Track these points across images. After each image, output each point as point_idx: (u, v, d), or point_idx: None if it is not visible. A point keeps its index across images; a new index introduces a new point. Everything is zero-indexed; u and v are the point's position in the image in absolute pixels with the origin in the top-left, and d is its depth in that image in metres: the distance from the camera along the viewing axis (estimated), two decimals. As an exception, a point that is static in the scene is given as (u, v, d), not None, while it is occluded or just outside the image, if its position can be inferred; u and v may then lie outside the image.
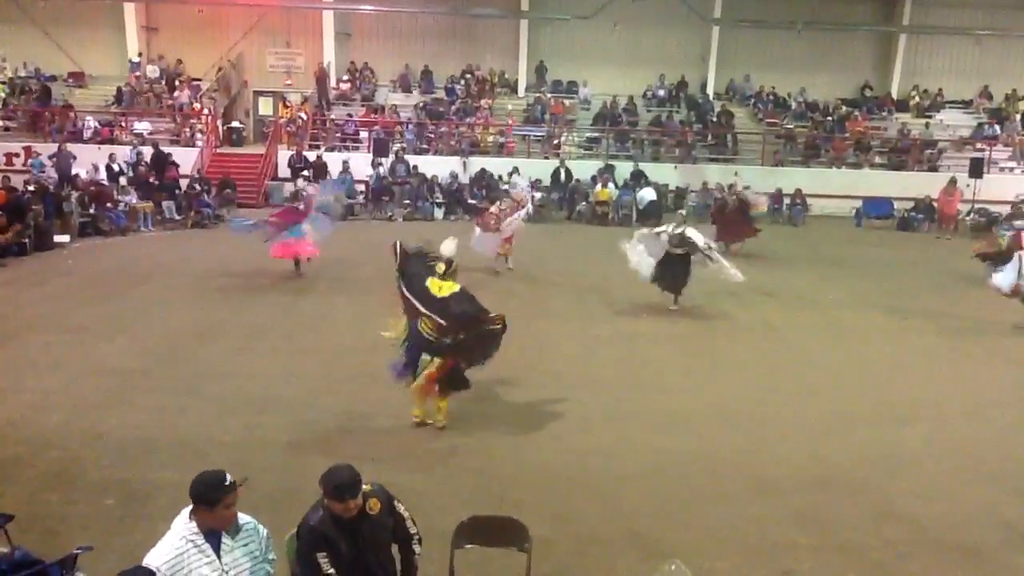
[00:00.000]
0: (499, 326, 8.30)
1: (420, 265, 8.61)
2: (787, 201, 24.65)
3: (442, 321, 8.05)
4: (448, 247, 8.85)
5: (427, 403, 8.48)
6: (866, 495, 7.27)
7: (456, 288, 8.28)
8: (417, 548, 4.57)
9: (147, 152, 23.14)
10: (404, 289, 8.42)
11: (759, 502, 7.06)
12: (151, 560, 3.81)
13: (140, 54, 27.66)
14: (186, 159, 23.76)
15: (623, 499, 7.10)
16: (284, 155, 24.98)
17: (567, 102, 28.52)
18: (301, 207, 15.34)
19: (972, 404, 9.73)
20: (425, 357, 8.31)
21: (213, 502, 3.93)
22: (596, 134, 27.60)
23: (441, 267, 8.44)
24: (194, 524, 3.93)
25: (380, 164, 23.99)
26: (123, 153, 22.89)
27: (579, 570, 5.95)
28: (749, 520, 6.75)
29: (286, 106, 27.38)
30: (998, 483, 7.58)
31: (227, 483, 3.97)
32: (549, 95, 28.55)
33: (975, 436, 8.74)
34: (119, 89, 26.66)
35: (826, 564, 6.12)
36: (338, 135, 26.52)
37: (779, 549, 6.32)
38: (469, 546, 5.01)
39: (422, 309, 8.15)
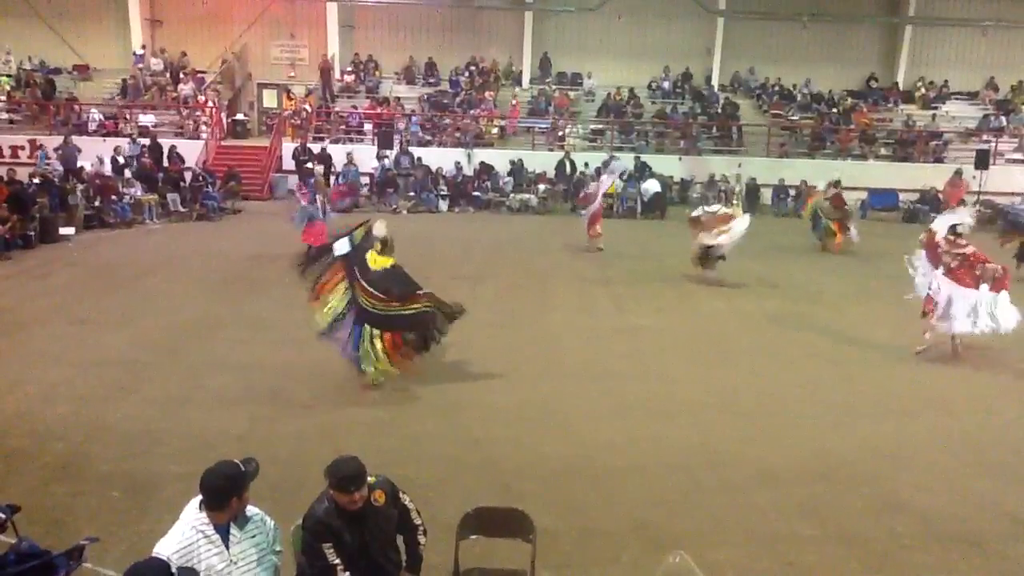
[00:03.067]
0: (425, 308, 9.27)
1: (368, 243, 9.50)
2: (792, 192, 24.68)
3: (377, 293, 8.98)
4: (380, 229, 9.64)
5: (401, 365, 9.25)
6: (870, 487, 7.28)
7: (388, 263, 9.41)
8: (422, 539, 4.60)
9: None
10: (350, 259, 9.04)
11: (763, 493, 7.07)
12: (161, 549, 3.84)
13: (144, 46, 27.67)
14: (191, 151, 23.76)
15: (627, 490, 7.11)
16: (288, 147, 24.98)
17: (571, 94, 28.46)
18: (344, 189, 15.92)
19: (977, 396, 9.73)
20: (366, 329, 9.04)
21: (226, 500, 3.97)
22: (600, 126, 27.55)
23: (378, 245, 9.47)
24: (204, 515, 3.96)
25: (385, 156, 23.98)
26: (128, 146, 22.90)
27: (584, 561, 5.97)
28: (753, 511, 6.77)
29: (290, 98, 27.37)
30: (1002, 475, 7.59)
31: (243, 472, 4.02)
32: (554, 87, 28.51)
33: (980, 428, 8.74)
34: (124, 82, 26.68)
35: (829, 555, 6.14)
36: (342, 127, 26.52)
37: (782, 540, 6.33)
38: (474, 537, 5.03)
39: (359, 277, 9.01)
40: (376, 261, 9.36)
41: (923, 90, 29.21)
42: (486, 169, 24.51)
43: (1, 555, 5.19)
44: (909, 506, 6.95)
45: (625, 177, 23.73)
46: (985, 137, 26.81)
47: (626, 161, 24.56)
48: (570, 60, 29.65)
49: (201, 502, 3.99)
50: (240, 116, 27.52)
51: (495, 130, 26.81)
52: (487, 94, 27.68)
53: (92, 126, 24.64)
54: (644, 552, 5.94)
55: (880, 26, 29.97)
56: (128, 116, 25.57)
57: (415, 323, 9.32)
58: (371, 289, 9.02)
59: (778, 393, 9.62)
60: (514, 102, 27.38)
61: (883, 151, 27.11)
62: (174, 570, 3.50)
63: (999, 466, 7.78)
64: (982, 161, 24.16)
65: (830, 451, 8.00)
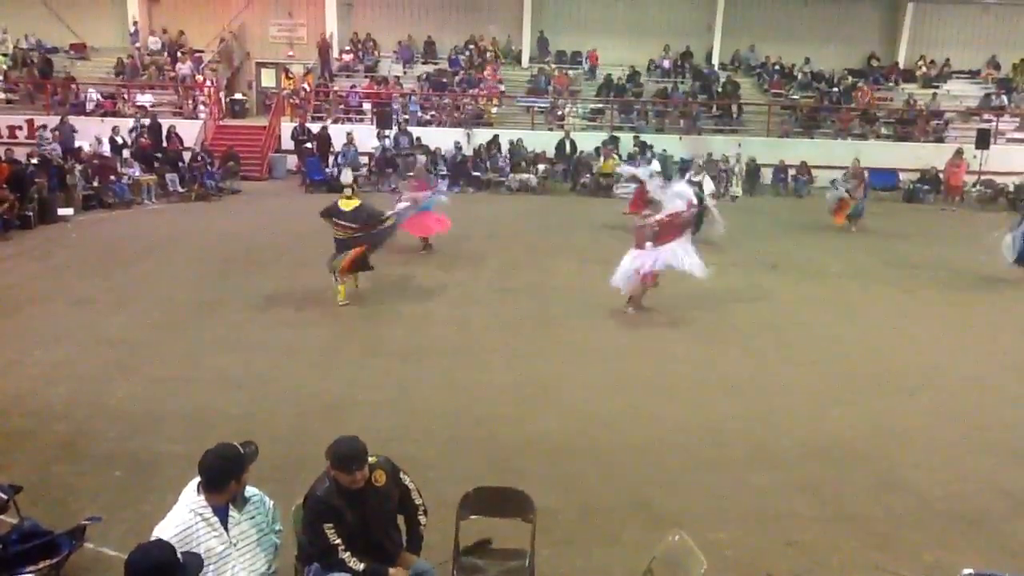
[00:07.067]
0: (391, 221, 12.11)
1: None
2: (792, 172, 24.69)
3: (353, 225, 11.45)
4: (346, 177, 13.51)
5: (346, 285, 11.67)
6: (869, 465, 7.30)
7: (358, 202, 11.74)
8: (423, 519, 4.61)
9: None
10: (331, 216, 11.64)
11: (763, 472, 7.10)
12: (160, 533, 3.80)
13: (135, 22, 27.47)
14: (189, 131, 23.65)
15: (627, 469, 7.13)
16: (287, 127, 24.89)
17: (571, 73, 28.31)
18: (434, 180, 15.81)
19: (976, 374, 9.74)
20: (338, 257, 11.49)
21: (224, 482, 3.97)
22: (600, 105, 27.44)
23: (348, 191, 12.14)
24: (202, 497, 3.95)
25: (385, 136, 23.88)
26: (126, 126, 22.82)
27: (584, 540, 5.99)
28: (752, 490, 6.79)
29: (289, 77, 27.22)
30: (1001, 453, 7.61)
31: (242, 454, 4.02)
32: (553, 66, 28.36)
33: (979, 406, 8.76)
34: (119, 60, 26.53)
35: (829, 534, 6.16)
36: (341, 107, 26.42)
37: (782, 519, 6.36)
38: (474, 517, 5.04)
39: (337, 221, 11.51)
40: (347, 204, 11.59)
41: (924, 68, 29.05)
42: (493, 144, 24.41)
43: (4, 535, 5.21)
44: (908, 484, 6.97)
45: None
46: (986, 116, 26.70)
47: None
48: (570, 39, 29.46)
49: (199, 484, 3.99)
50: (238, 96, 27.42)
51: (494, 109, 26.71)
52: (485, 72, 27.54)
53: (90, 106, 24.51)
54: (644, 530, 5.96)
55: (881, 4, 29.73)
56: (126, 96, 25.45)
57: (377, 239, 11.82)
58: (346, 224, 11.45)
59: (777, 372, 9.64)
60: (491, 69, 27.42)
61: (883, 130, 27.02)
62: (178, 554, 3.49)
63: (998, 444, 7.80)
64: (983, 140, 24.07)
65: (829, 430, 8.03)
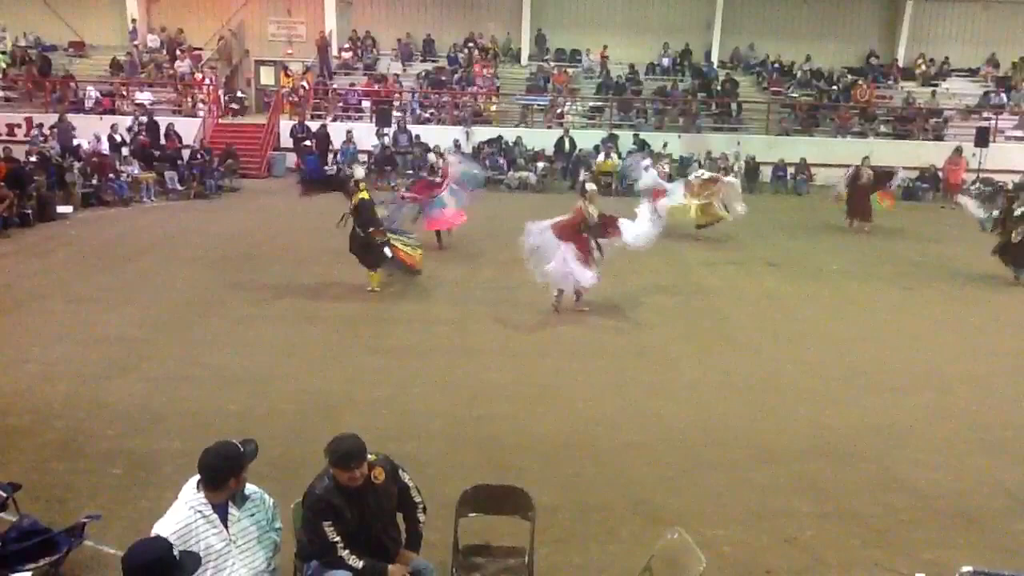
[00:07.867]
0: (380, 240, 12.04)
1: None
2: (791, 171, 24.70)
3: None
4: (359, 171, 12.87)
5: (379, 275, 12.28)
6: (869, 463, 7.30)
7: (364, 195, 11.94)
8: (422, 517, 4.61)
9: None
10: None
11: (762, 470, 7.09)
12: (159, 530, 3.81)
13: (134, 20, 27.45)
14: (188, 129, 23.65)
15: (627, 467, 7.13)
16: (286, 125, 24.88)
17: (570, 71, 28.31)
18: (437, 179, 15.54)
19: (975, 373, 9.73)
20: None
21: (224, 480, 3.97)
22: (600, 103, 27.44)
23: (362, 184, 12.16)
24: (201, 494, 3.96)
25: (385, 134, 23.87)
26: (125, 123, 22.81)
27: (583, 536, 5.99)
28: (752, 488, 6.79)
29: (288, 75, 27.23)
30: (1000, 452, 7.61)
31: (242, 452, 4.03)
32: (552, 64, 28.35)
33: (978, 404, 8.75)
34: (114, 59, 26.51)
35: (828, 532, 6.16)
36: (340, 104, 26.41)
37: (781, 517, 6.35)
38: (473, 514, 5.04)
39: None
40: (360, 193, 11.90)
41: (923, 67, 29.05)
42: (496, 143, 24.44)
43: (3, 532, 5.21)
44: (907, 482, 6.97)
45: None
46: (985, 114, 26.71)
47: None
48: (569, 37, 29.47)
49: (199, 482, 3.99)
50: (238, 93, 27.41)
51: (493, 107, 26.73)
52: (484, 70, 27.52)
53: (89, 104, 24.51)
54: (643, 528, 5.96)
55: (881, 2, 29.79)
56: (125, 94, 25.43)
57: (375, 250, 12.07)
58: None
59: (777, 370, 9.63)
60: (479, 67, 27.51)
61: (883, 128, 27.03)
62: (175, 552, 3.49)
63: (997, 443, 7.80)
64: (982, 139, 24.08)
65: (828, 428, 8.02)
